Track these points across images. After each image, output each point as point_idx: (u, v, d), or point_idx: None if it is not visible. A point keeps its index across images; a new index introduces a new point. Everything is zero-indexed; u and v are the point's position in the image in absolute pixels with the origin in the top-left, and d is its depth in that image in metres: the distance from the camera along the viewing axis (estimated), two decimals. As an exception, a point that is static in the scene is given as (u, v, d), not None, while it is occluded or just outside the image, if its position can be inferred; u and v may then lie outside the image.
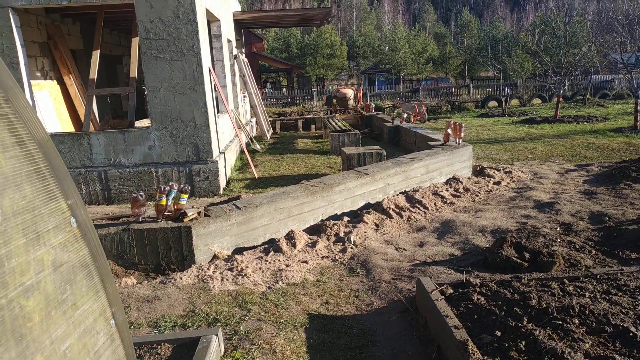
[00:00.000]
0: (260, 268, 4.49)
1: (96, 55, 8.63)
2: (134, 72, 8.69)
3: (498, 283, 3.38)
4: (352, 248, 4.94)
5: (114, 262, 4.89)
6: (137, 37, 7.38)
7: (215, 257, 4.82)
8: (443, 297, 3.20)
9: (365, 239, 5.16)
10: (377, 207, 6.03)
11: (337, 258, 4.76)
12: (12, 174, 0.99)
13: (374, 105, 19.02)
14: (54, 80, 9.79)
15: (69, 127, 9.83)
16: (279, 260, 4.64)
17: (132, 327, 3.56)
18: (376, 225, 5.58)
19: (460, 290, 3.32)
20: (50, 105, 9.40)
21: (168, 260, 4.81)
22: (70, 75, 9.96)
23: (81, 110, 9.86)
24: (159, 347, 2.99)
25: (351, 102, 19.13)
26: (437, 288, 3.31)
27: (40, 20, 9.39)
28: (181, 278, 4.32)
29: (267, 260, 4.63)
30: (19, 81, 7.13)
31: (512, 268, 3.99)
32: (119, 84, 13.89)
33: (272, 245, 4.99)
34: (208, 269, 4.47)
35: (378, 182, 6.40)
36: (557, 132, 13.29)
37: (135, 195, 4.78)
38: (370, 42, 60.00)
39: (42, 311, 1.12)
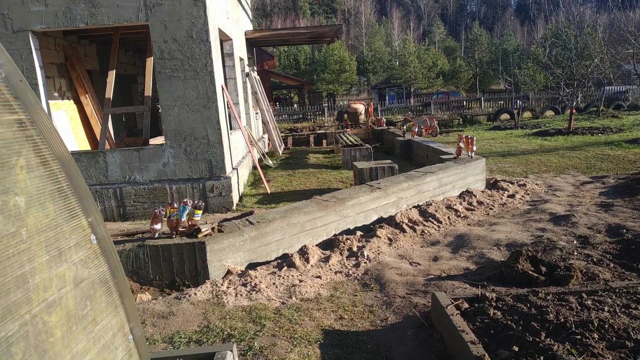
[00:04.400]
0: (273, 283, 4.49)
1: (112, 75, 8.83)
2: (148, 91, 8.86)
3: (514, 297, 3.33)
4: (365, 263, 4.92)
5: (130, 278, 4.93)
6: (152, 57, 7.54)
7: (229, 272, 4.84)
8: (459, 312, 3.17)
9: (378, 254, 5.14)
10: (390, 221, 6.01)
11: (350, 273, 4.74)
12: (36, 193, 1.03)
13: (385, 120, 19.08)
14: (71, 100, 10.03)
15: (86, 146, 10.02)
16: (292, 276, 4.63)
17: (147, 343, 3.56)
18: (389, 239, 5.55)
19: (476, 305, 3.28)
20: (67, 124, 9.61)
21: (182, 276, 4.84)
22: (87, 95, 10.19)
23: (97, 129, 10.05)
24: (174, 363, 2.99)
25: (362, 117, 19.21)
26: (452, 303, 3.28)
27: (58, 42, 9.66)
28: (195, 294, 4.34)
29: (280, 276, 4.63)
30: (37, 101, 7.31)
31: (529, 282, 3.94)
32: (133, 102, 14.15)
33: (285, 261, 4.99)
34: (222, 284, 4.48)
35: (391, 196, 6.39)
36: (571, 144, 13.16)
37: (157, 210, 4.84)
38: (380, 57, 60.39)
39: (63, 326, 1.14)
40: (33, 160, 1.03)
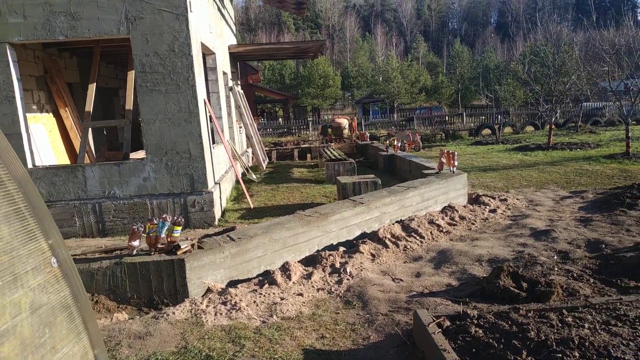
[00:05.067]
0: (254, 302, 4.40)
1: (92, 88, 8.70)
2: (129, 105, 8.75)
3: (496, 314, 3.31)
4: (348, 279, 4.87)
5: (106, 297, 4.79)
6: (133, 70, 7.47)
7: (209, 290, 4.73)
8: (440, 330, 3.13)
9: (361, 270, 5.09)
10: (373, 236, 5.98)
11: (333, 290, 4.68)
12: None
13: (368, 134, 19.20)
14: (50, 113, 9.85)
15: (65, 160, 9.82)
16: (273, 293, 4.55)
17: (122, 365, 3.46)
18: (372, 255, 5.52)
19: (458, 323, 3.26)
20: (45, 137, 9.42)
21: (161, 294, 4.72)
22: (67, 108, 10.02)
23: (77, 143, 9.87)
24: (148, 386, 2.88)
25: (346, 132, 19.31)
26: (434, 321, 3.24)
27: (37, 54, 9.51)
28: (174, 313, 4.22)
29: (261, 294, 4.55)
30: (14, 114, 7.15)
31: (510, 298, 3.93)
32: (115, 116, 13.97)
33: (266, 278, 4.91)
34: (201, 303, 4.38)
35: (374, 211, 6.37)
36: (550, 159, 13.39)
37: (135, 227, 4.73)
38: (364, 72, 61.11)
39: (17, 357, 1.07)
40: (-15, 181, 0.97)
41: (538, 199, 8.39)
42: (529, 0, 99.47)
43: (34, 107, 9.29)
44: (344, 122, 19.64)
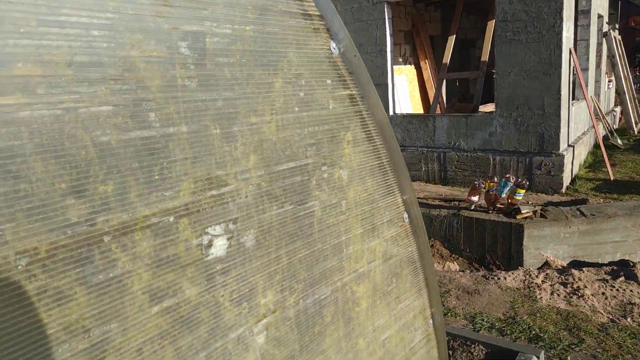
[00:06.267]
0: (602, 293, 3.70)
1: (451, 41, 8.95)
2: (485, 56, 8.58)
3: None
4: None
5: (441, 244, 5.06)
6: (493, 20, 7.17)
7: (546, 264, 4.29)
8: None
9: None
10: None
11: None
12: (358, 168, 1.04)
13: None
14: (412, 65, 10.80)
15: (419, 109, 10.71)
16: (630, 291, 3.70)
17: (449, 314, 3.58)
18: None
19: None
20: (406, 88, 10.46)
21: (493, 254, 4.61)
22: (427, 60, 10.75)
23: (431, 93, 10.55)
24: (473, 346, 2.86)
25: None
26: None
27: (407, 10, 10.43)
28: (505, 278, 4.04)
29: (613, 286, 3.77)
30: (384, 66, 8.16)
31: None
32: (469, 68, 14.11)
33: (623, 269, 4.02)
34: (537, 276, 4.01)
35: None
36: None
37: (477, 182, 4.77)
38: None
39: (369, 299, 1.15)
40: (359, 135, 1.05)
41: None
42: None
43: (400, 59, 10.36)
44: None
